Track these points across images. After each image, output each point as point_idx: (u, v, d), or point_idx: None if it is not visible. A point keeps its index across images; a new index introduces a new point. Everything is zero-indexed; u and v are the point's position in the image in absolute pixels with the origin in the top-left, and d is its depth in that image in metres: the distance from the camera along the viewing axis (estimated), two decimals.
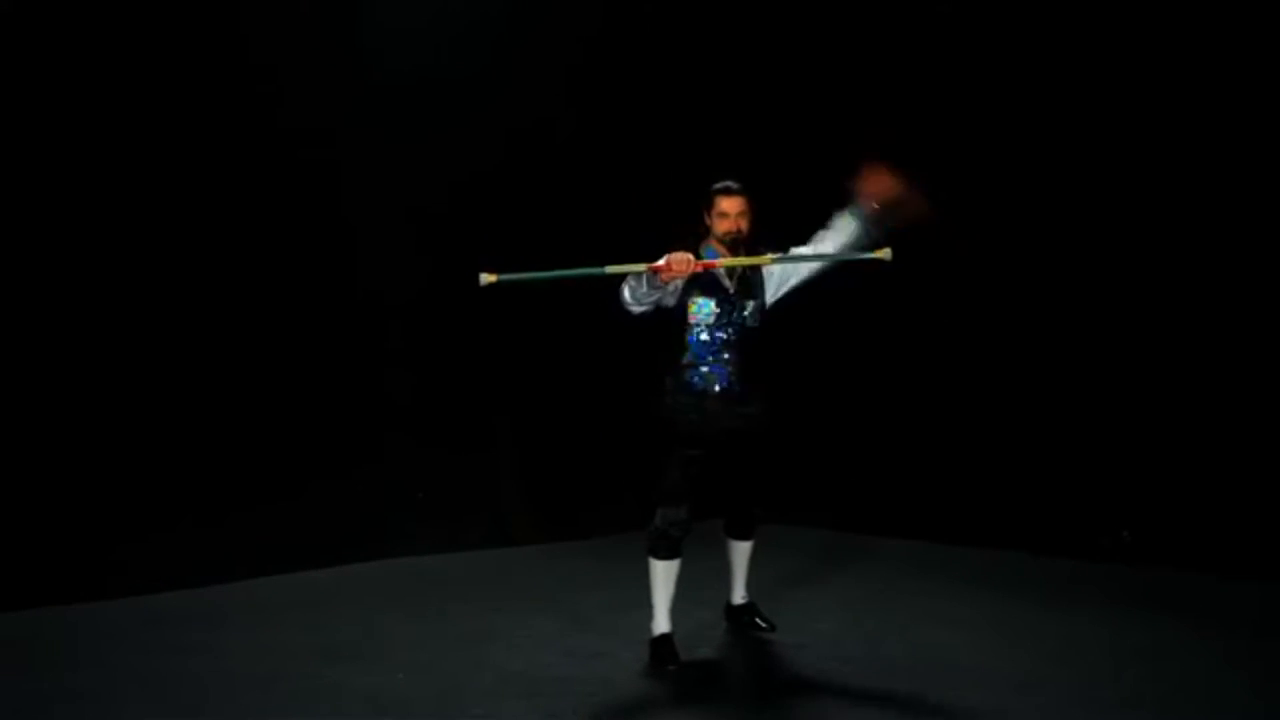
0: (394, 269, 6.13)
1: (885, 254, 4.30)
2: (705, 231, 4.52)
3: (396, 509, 6.21)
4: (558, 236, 6.02)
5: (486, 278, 4.19)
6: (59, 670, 4.28)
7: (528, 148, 6.40)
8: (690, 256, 4.21)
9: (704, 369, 4.51)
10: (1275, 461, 5.64)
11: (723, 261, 4.41)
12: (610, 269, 4.25)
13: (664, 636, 4.51)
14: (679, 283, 4.37)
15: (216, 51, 5.55)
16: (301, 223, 5.84)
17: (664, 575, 4.52)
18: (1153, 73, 5.88)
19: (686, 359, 4.52)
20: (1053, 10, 6.16)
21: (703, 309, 4.48)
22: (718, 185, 4.50)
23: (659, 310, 4.50)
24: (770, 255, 4.44)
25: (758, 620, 4.93)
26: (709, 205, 4.50)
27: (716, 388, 4.51)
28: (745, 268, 4.51)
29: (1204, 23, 5.72)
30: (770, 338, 4.66)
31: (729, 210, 4.45)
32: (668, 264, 4.17)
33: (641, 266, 4.24)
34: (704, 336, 4.50)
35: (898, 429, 6.84)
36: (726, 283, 4.51)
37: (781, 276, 4.59)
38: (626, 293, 4.35)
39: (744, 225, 4.45)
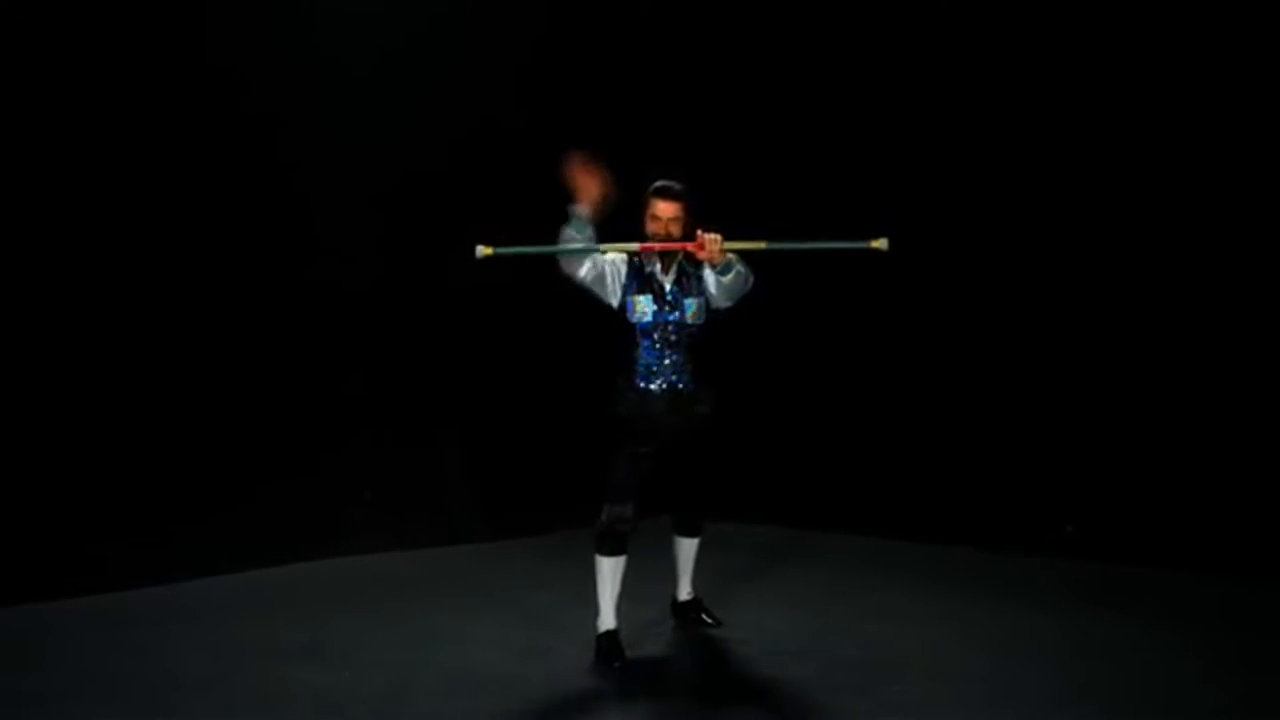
0: (345, 269, 6.09)
1: (882, 244, 4.29)
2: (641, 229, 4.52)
3: (344, 507, 6.18)
4: (513, 234, 6.00)
5: (483, 250, 4.27)
6: (7, 671, 4.24)
7: (482, 144, 6.36)
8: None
9: (651, 367, 4.55)
10: (1222, 456, 5.74)
11: (735, 245, 4.33)
12: (606, 248, 4.38)
13: (609, 633, 4.54)
14: (622, 276, 4.49)
15: (173, 48, 5.51)
16: (255, 220, 5.79)
17: (610, 571, 4.55)
18: (1148, 72, 5.90)
19: (635, 357, 4.56)
20: (1050, 9, 6.15)
21: (641, 307, 4.52)
22: (656, 185, 4.52)
23: (608, 307, 4.56)
24: (763, 242, 4.39)
25: (704, 616, 4.97)
26: (645, 204, 4.52)
27: (663, 385, 4.54)
28: (684, 267, 4.55)
29: (1202, 23, 5.74)
30: (719, 335, 4.70)
31: (661, 214, 4.46)
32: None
33: (635, 246, 4.38)
34: (647, 334, 4.54)
35: (846, 426, 6.88)
36: (663, 279, 4.55)
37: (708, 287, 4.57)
38: (582, 270, 4.45)
39: (674, 230, 4.45)
